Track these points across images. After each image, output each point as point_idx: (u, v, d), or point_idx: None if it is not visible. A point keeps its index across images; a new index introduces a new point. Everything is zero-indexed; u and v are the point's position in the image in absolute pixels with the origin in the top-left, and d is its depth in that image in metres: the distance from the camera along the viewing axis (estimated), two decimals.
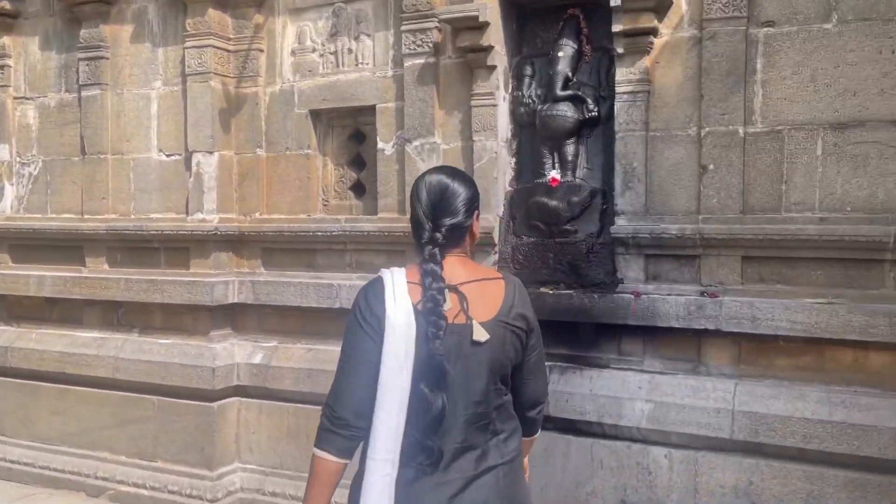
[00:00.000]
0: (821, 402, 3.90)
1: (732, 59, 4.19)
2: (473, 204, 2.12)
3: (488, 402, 2.02)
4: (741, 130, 4.20)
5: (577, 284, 4.59)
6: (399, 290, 1.94)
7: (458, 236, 2.09)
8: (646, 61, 4.41)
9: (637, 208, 4.46)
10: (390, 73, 5.22)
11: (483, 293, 2.04)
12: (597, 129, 4.77)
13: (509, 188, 4.98)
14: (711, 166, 4.27)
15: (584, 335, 4.59)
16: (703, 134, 4.29)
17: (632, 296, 4.35)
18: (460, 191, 2.09)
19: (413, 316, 1.91)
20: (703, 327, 4.19)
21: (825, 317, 3.89)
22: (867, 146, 3.96)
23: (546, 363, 4.63)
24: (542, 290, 4.63)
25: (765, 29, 4.16)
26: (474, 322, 1.97)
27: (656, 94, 4.45)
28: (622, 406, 4.31)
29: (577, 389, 4.44)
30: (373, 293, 1.98)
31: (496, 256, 4.90)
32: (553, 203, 4.66)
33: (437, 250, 1.99)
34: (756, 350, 4.21)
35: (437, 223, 2.03)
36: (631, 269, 4.48)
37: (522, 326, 2.10)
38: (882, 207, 3.93)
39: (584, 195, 4.63)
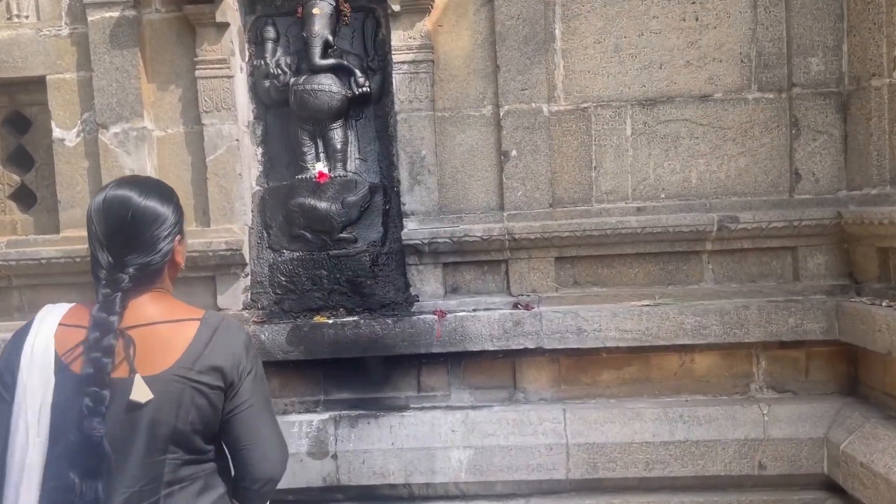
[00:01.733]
0: (659, 421, 3.37)
1: (531, 23, 3.48)
2: (174, 229, 1.68)
3: (156, 478, 1.58)
4: (545, 108, 3.51)
5: (362, 308, 3.55)
6: (41, 339, 1.54)
7: (151, 274, 1.65)
8: (426, 23, 3.51)
9: (430, 207, 3.56)
10: (66, 30, 3.65)
11: (160, 338, 1.60)
12: (368, 109, 3.76)
13: (258, 188, 3.75)
14: (514, 152, 3.53)
15: (374, 371, 3.58)
16: (501, 113, 3.53)
17: (434, 316, 3.43)
18: (156, 214, 1.64)
19: (52, 375, 1.52)
20: (521, 346, 3.43)
21: (656, 321, 3.37)
22: (677, 125, 3.52)
23: (331, 414, 3.61)
24: (318, 319, 3.50)
25: None
26: (137, 377, 1.54)
27: (442, 64, 3.58)
28: (435, 458, 3.38)
29: (375, 444, 3.40)
30: (13, 341, 1.59)
31: (247, 280, 3.64)
32: (323, 205, 3.55)
33: (118, 296, 1.57)
34: (577, 366, 3.58)
35: (121, 261, 1.59)
36: (427, 283, 3.57)
37: (213, 382, 1.62)
38: (696, 192, 3.53)
39: (361, 193, 3.60)
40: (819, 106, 3.41)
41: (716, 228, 3.41)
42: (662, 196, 3.55)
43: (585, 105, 3.57)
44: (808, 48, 3.39)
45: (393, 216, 3.69)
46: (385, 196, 3.68)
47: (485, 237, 3.49)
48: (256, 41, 3.76)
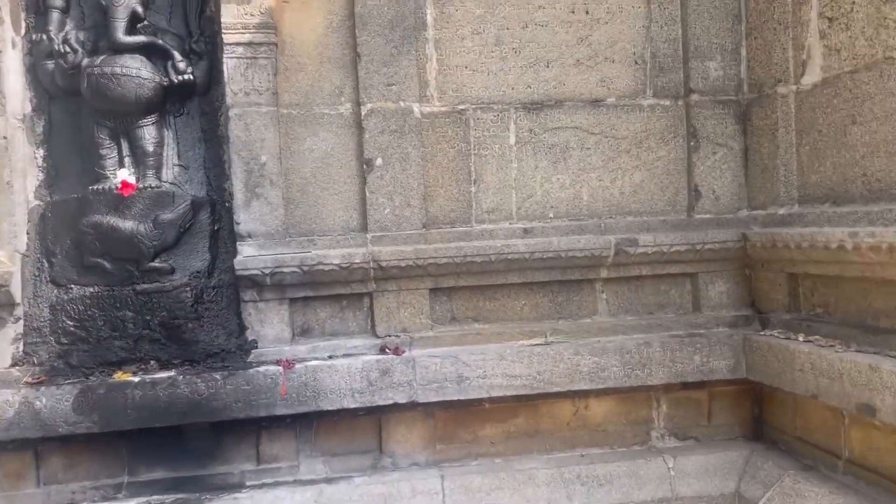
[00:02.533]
0: (554, 484, 2.82)
1: (398, 3, 2.86)
2: None
3: None
4: (417, 109, 2.89)
5: (181, 359, 2.73)
6: None
7: None
8: None
9: (273, 227, 2.81)
10: None
11: None
12: (191, 102, 2.95)
13: (36, 202, 2.81)
14: (379, 160, 2.87)
15: (199, 441, 2.75)
16: (363, 113, 2.87)
17: (278, 368, 2.68)
18: None
19: None
20: (390, 401, 2.75)
21: (549, 364, 2.84)
22: (567, 133, 3.03)
23: (138, 501, 2.70)
24: (119, 376, 2.63)
25: None
26: None
27: (288, 50, 2.86)
28: None
29: None
30: None
31: (18, 326, 2.70)
32: (127, 225, 2.70)
33: None
34: (456, 420, 2.97)
35: None
36: (269, 324, 2.81)
37: None
38: (588, 211, 3.04)
39: (180, 210, 2.78)
40: (718, 115, 3.05)
41: (613, 253, 2.93)
42: (551, 215, 3.04)
43: (463, 107, 2.98)
44: (706, 51, 3.03)
45: (224, 239, 2.90)
46: (213, 213, 2.88)
47: (344, 265, 2.79)
48: (37, 10, 2.84)
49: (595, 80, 3.05)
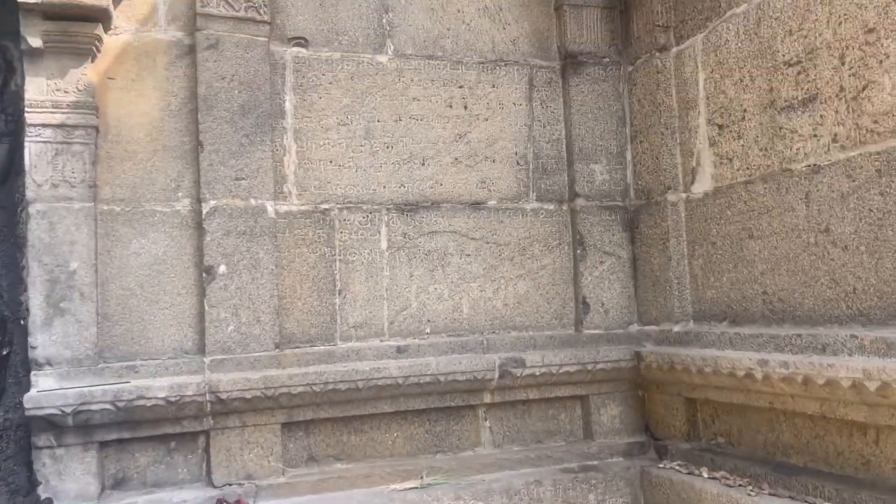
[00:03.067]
0: None
1: (251, 87, 2.47)
2: None
3: None
4: (271, 207, 2.46)
5: None
6: None
7: None
8: (89, 72, 2.31)
9: (80, 351, 2.24)
10: None
11: None
12: None
13: None
14: (223, 268, 2.40)
15: None
16: (204, 211, 2.41)
17: None
18: None
19: None
20: None
21: None
22: (445, 238, 2.69)
23: None
24: None
25: (295, 49, 2.57)
26: None
27: (113, 135, 2.38)
28: None
29: None
30: None
31: None
32: None
33: None
34: None
35: None
36: (71, 476, 2.20)
37: None
38: (469, 325, 2.69)
39: None
40: (605, 222, 2.83)
41: (497, 375, 2.57)
42: (428, 331, 2.65)
43: (327, 206, 2.59)
44: (591, 153, 2.82)
45: (16, 367, 2.27)
46: (3, 334, 2.26)
47: (172, 398, 2.25)
48: None
49: (475, 180, 2.75)
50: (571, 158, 2.82)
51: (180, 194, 2.45)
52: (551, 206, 2.83)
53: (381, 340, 2.61)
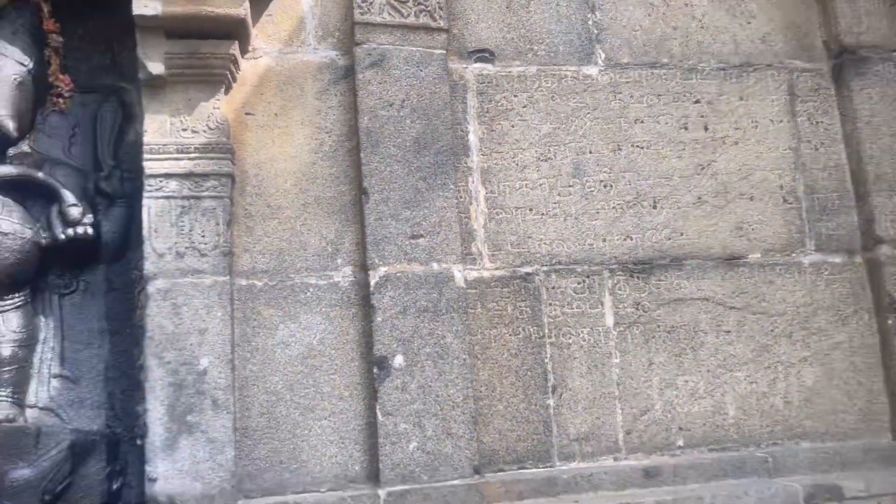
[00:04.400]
0: None
1: (427, 115, 1.84)
2: None
3: None
4: (458, 274, 1.77)
5: None
6: None
7: None
8: (223, 106, 1.75)
9: (214, 484, 1.61)
10: None
11: None
12: (94, 272, 1.82)
13: None
14: (399, 359, 1.74)
15: None
16: (373, 282, 1.74)
17: None
18: None
19: None
20: None
21: None
22: (693, 308, 1.94)
23: None
24: None
25: (478, 65, 1.94)
26: None
27: (252, 186, 1.80)
28: None
29: None
30: None
31: None
32: None
33: None
34: None
35: None
36: None
37: None
38: (738, 434, 1.92)
39: (47, 461, 1.56)
40: None
41: None
42: (681, 443, 1.85)
43: (529, 269, 1.89)
44: (894, 180, 1.99)
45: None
46: (113, 460, 1.66)
47: None
48: None
49: (728, 226, 1.98)
50: (863, 190, 2.01)
51: (339, 261, 1.82)
52: (838, 259, 2.00)
53: (616, 459, 1.83)
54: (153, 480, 1.60)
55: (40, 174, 1.74)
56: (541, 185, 1.95)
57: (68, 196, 1.75)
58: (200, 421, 1.64)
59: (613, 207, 1.97)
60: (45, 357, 1.73)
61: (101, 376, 1.77)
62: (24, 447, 1.57)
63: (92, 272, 1.84)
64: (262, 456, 1.71)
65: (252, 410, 1.72)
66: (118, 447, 1.69)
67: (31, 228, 1.69)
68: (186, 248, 1.70)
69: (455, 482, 1.70)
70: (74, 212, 1.74)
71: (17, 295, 1.69)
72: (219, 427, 1.65)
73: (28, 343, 1.69)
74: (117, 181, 1.86)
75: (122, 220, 1.85)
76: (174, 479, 1.60)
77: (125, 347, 1.80)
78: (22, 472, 1.54)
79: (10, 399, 1.63)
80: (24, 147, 1.82)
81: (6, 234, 1.63)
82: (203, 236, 1.71)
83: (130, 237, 1.87)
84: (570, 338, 1.88)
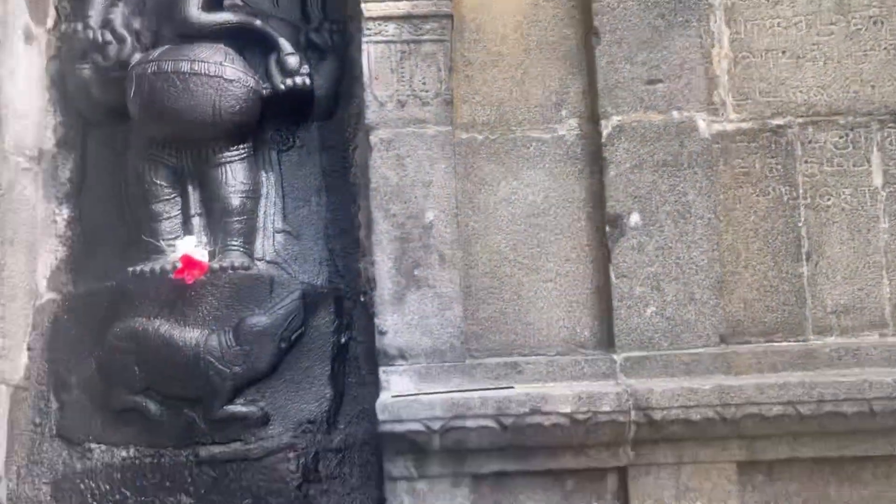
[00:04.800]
0: None
1: None
2: None
3: None
4: (702, 124, 1.56)
5: None
6: None
7: None
8: None
9: (443, 340, 1.57)
10: None
11: None
12: (307, 128, 1.76)
13: (51, 295, 1.64)
14: (635, 218, 1.60)
15: None
16: (604, 133, 1.57)
17: None
18: None
19: None
20: None
21: None
22: None
23: None
24: None
25: None
26: None
27: (469, 31, 1.66)
28: None
29: None
30: None
31: None
32: (190, 337, 1.50)
33: None
34: None
35: None
36: None
37: None
38: None
39: (282, 310, 1.56)
40: None
41: None
42: None
43: (780, 121, 1.65)
44: None
45: (357, 360, 1.63)
46: (339, 315, 1.63)
47: (580, 415, 1.46)
48: None
49: None
50: None
51: (564, 112, 1.66)
52: None
53: (882, 335, 1.60)
54: (383, 333, 1.56)
55: (258, 22, 1.69)
56: (796, 22, 1.67)
57: (286, 45, 1.68)
58: (428, 276, 1.57)
59: (885, 48, 1.66)
60: (269, 212, 1.71)
61: (321, 233, 1.74)
62: (259, 295, 1.57)
63: (306, 129, 1.79)
64: (487, 316, 1.63)
65: (475, 269, 1.64)
66: (342, 303, 1.66)
67: (252, 78, 1.64)
68: (408, 96, 1.60)
69: (698, 350, 1.55)
70: (292, 61, 1.67)
71: (241, 146, 1.66)
72: (446, 282, 1.57)
73: (253, 195, 1.67)
74: (327, 33, 1.77)
75: (332, 75, 1.77)
76: (403, 332, 1.56)
77: (341, 205, 1.76)
78: (259, 319, 1.53)
79: (241, 249, 1.63)
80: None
81: (231, 82, 1.59)
82: (424, 83, 1.60)
83: (340, 93, 1.79)
84: (828, 199, 1.64)
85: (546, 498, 1.57)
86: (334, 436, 1.57)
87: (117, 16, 1.65)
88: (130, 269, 1.55)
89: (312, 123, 1.79)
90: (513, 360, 1.58)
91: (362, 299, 1.68)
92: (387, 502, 1.53)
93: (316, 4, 1.79)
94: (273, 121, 1.74)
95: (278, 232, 1.71)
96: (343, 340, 1.64)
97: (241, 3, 1.76)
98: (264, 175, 1.72)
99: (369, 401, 1.60)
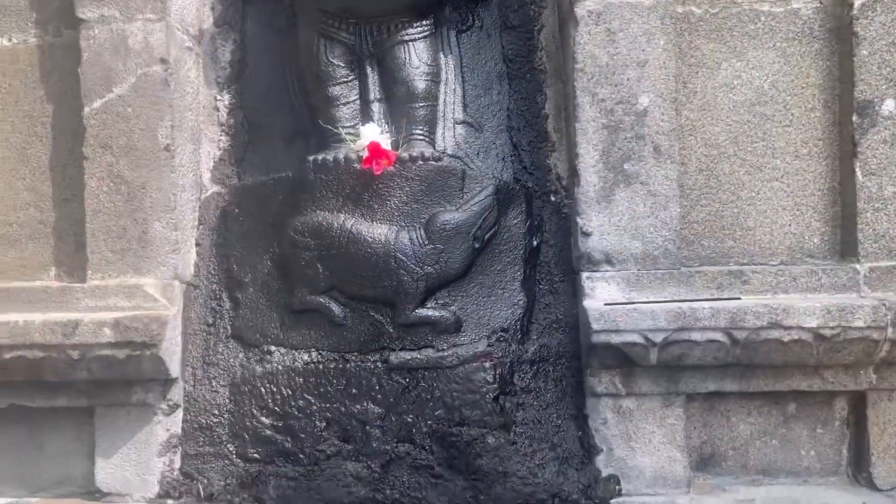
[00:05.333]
0: None
1: None
2: None
3: None
4: None
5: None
6: None
7: None
8: None
9: (657, 244, 1.40)
10: None
11: None
12: (486, 5, 1.53)
13: (215, 188, 1.52)
14: (891, 105, 1.30)
15: None
16: (856, 5, 1.34)
17: None
18: None
19: None
20: None
21: None
22: None
23: None
24: None
25: None
26: None
27: None
28: None
29: None
30: None
31: (175, 420, 1.39)
32: (377, 233, 1.36)
33: None
34: None
35: None
36: (645, 445, 1.35)
37: None
38: None
39: (476, 205, 1.38)
40: None
41: None
42: None
43: None
44: None
45: (548, 265, 1.46)
46: (530, 215, 1.45)
47: (828, 331, 1.25)
48: None
49: None
50: None
51: None
52: None
53: None
54: (587, 234, 1.38)
55: None
56: None
57: None
58: (640, 170, 1.38)
59: None
60: (449, 100, 1.53)
61: (504, 125, 1.55)
62: (452, 189, 1.40)
63: (486, 7, 1.58)
64: (700, 219, 1.44)
65: (689, 166, 1.44)
66: (532, 202, 1.49)
67: None
68: None
69: None
70: None
71: (424, 22, 1.47)
72: (661, 178, 1.38)
73: (436, 79, 1.49)
74: None
75: None
76: (610, 234, 1.38)
77: (526, 94, 1.56)
78: (453, 215, 1.37)
79: (426, 138, 1.46)
80: None
81: None
82: None
83: None
84: None
85: (763, 421, 1.41)
86: (528, 346, 1.42)
87: None
88: (311, 157, 1.40)
89: (493, 1, 1.58)
90: (739, 270, 1.39)
91: (553, 199, 1.51)
92: (588, 419, 1.39)
93: None
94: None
95: (459, 123, 1.53)
96: (535, 242, 1.47)
97: None
98: (443, 58, 1.53)
99: (562, 310, 1.45)
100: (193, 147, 1.50)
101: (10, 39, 1.50)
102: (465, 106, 1.54)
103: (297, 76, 1.52)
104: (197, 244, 1.50)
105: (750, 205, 1.43)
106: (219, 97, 1.57)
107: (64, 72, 1.46)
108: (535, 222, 1.48)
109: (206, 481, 1.40)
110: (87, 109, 1.41)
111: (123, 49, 1.40)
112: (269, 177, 1.50)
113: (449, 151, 1.51)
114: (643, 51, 1.37)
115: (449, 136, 1.52)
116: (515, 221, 1.45)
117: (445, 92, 1.52)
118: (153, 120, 1.40)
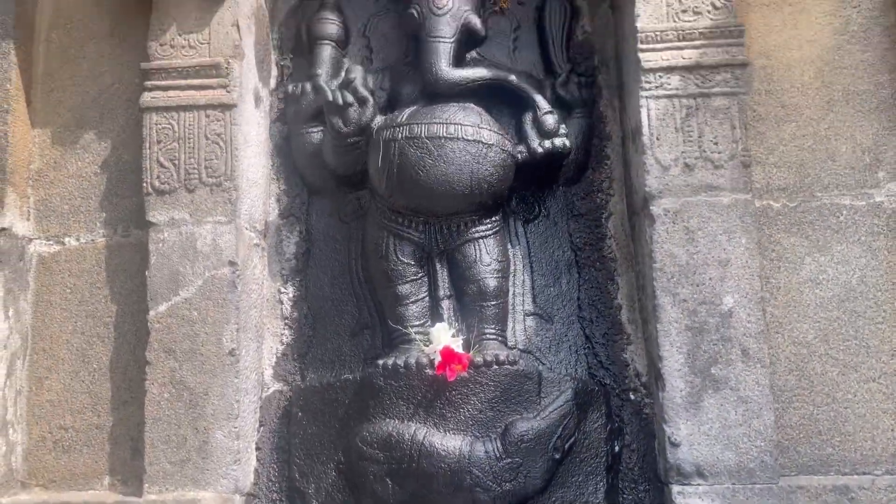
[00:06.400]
0: None
1: None
2: None
3: None
4: None
5: None
6: None
7: None
8: None
9: (752, 455, 1.33)
10: None
11: None
12: (552, 195, 1.52)
13: (277, 386, 1.46)
14: None
15: None
16: None
17: None
18: None
19: None
20: None
21: None
22: None
23: None
24: None
25: None
26: None
27: (759, 79, 1.41)
28: None
29: None
30: None
31: None
32: (451, 446, 1.30)
33: None
34: None
35: None
36: None
37: None
38: None
39: (555, 411, 1.32)
40: None
41: None
42: None
43: None
44: None
45: (631, 474, 1.35)
46: (609, 415, 1.37)
47: None
48: (296, 47, 1.62)
49: None
50: None
51: (881, 175, 1.39)
52: None
53: None
54: (675, 444, 1.29)
55: (513, 77, 1.49)
56: None
57: (542, 102, 1.47)
58: (728, 375, 1.30)
59: None
60: (518, 291, 1.48)
61: (575, 315, 1.50)
62: (528, 394, 1.33)
63: (551, 196, 1.56)
64: (794, 423, 1.35)
65: (778, 366, 1.36)
66: (610, 403, 1.41)
67: (509, 141, 1.43)
68: (696, 158, 1.36)
69: None
70: (550, 120, 1.46)
71: (493, 218, 1.45)
72: (751, 383, 1.30)
73: (506, 274, 1.45)
74: (575, 86, 1.55)
75: (581, 134, 1.54)
76: (700, 444, 1.29)
77: (597, 283, 1.51)
78: (531, 424, 1.29)
79: (498, 338, 1.41)
80: (472, 52, 1.58)
81: (490, 146, 1.38)
82: (715, 143, 1.35)
83: (590, 153, 1.56)
84: None
85: None
86: None
87: (357, 75, 1.48)
88: (381, 361, 1.34)
89: (558, 189, 1.56)
90: (840, 483, 1.28)
91: (633, 397, 1.43)
92: None
93: (560, 55, 1.58)
94: (519, 188, 1.52)
95: (528, 315, 1.48)
96: (617, 448, 1.37)
97: (480, 57, 1.58)
98: (510, 250, 1.50)
99: None
100: (257, 345, 1.46)
101: (77, 239, 1.50)
102: (534, 297, 1.49)
103: (363, 270, 1.49)
104: (257, 448, 1.43)
105: (846, 407, 1.34)
106: (283, 290, 1.54)
107: (131, 272, 1.45)
108: (616, 425, 1.39)
109: None
110: (152, 313, 1.38)
111: (192, 252, 1.39)
112: (334, 377, 1.44)
113: (520, 346, 1.45)
114: (724, 249, 1.33)
115: (519, 329, 1.47)
116: (595, 426, 1.37)
117: (514, 284, 1.48)
118: (219, 324, 1.37)
